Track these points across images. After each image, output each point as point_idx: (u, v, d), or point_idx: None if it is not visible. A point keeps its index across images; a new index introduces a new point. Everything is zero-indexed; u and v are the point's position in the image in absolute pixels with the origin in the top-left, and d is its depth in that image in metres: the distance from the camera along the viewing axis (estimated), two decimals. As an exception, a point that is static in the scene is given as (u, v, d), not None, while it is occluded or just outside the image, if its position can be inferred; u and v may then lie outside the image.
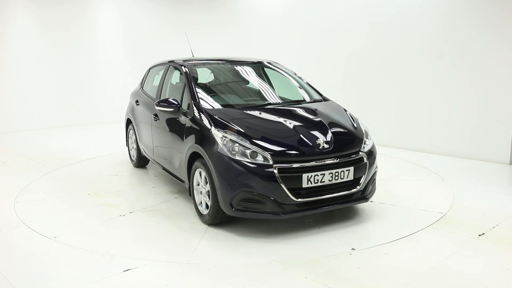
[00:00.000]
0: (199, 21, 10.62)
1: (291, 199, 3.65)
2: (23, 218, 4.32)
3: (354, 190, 3.96)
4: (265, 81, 5.27)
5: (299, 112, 4.46)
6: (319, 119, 4.28)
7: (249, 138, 3.80)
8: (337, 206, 3.94)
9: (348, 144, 4.07)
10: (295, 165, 3.69)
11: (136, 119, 5.96)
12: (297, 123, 4.13)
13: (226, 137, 3.83)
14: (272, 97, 4.93)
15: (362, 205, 4.65)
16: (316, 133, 3.99)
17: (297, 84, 5.22)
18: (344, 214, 4.41)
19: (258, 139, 3.80)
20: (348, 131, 4.23)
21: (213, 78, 5.26)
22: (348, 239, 3.83)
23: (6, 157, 6.89)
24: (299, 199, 3.69)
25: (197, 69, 5.04)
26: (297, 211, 3.74)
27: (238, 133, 3.85)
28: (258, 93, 5.02)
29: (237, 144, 3.75)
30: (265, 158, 3.68)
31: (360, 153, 4.04)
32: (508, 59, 6.30)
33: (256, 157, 3.69)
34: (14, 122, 9.11)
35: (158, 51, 10.53)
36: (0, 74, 8.91)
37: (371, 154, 4.16)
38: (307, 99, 4.94)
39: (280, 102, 4.80)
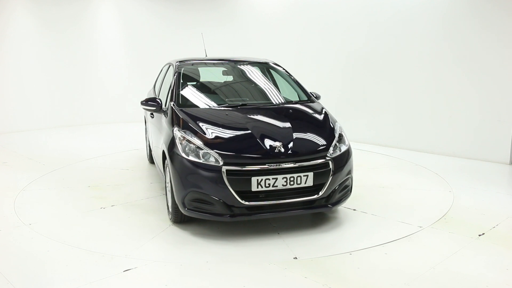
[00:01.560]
0: (199, 21, 10.61)
1: (239, 202, 3.58)
2: (23, 218, 4.32)
3: (314, 197, 3.77)
4: (255, 81, 5.23)
5: (270, 114, 4.33)
6: (287, 122, 4.12)
7: (205, 139, 3.80)
8: (295, 213, 3.78)
9: (311, 149, 3.86)
10: (243, 168, 3.59)
11: (146, 116, 6.30)
12: (260, 126, 4.05)
13: (184, 137, 3.86)
14: (255, 98, 4.91)
15: (362, 205, 4.65)
16: (276, 136, 3.85)
17: (285, 84, 5.15)
18: (343, 214, 4.41)
19: (213, 140, 3.78)
20: (316, 135, 4.03)
21: (208, 78, 5.31)
22: (348, 239, 3.83)
23: (6, 157, 6.89)
24: (248, 203, 3.59)
25: (191, 68, 5.13)
26: (246, 215, 3.67)
27: (195, 133, 3.87)
28: (242, 94, 5.01)
29: (192, 144, 3.77)
30: (216, 160, 3.64)
31: (326, 158, 3.82)
32: (508, 59, 6.29)
33: (209, 158, 3.67)
34: (14, 122, 9.11)
35: (158, 51, 10.54)
36: (0, 74, 8.91)
37: (340, 160, 3.93)
38: (293, 100, 4.84)
39: (261, 103, 4.75)
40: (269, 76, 5.36)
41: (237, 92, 5.08)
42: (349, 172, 4.07)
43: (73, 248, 3.65)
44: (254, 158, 3.65)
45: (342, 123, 8.23)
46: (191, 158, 3.70)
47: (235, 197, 3.57)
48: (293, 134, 3.93)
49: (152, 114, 5.27)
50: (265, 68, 5.41)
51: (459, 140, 6.89)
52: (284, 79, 5.23)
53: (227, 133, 3.93)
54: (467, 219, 4.28)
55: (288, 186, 3.66)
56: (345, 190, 4.08)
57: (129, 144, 7.85)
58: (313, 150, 3.85)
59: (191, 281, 3.13)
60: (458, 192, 5.09)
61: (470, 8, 6.62)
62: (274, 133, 3.91)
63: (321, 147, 3.90)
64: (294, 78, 5.21)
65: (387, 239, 3.80)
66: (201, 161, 3.66)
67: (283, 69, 5.39)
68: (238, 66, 5.37)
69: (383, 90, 7.76)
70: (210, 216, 3.71)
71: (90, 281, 3.11)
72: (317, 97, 5.11)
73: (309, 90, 5.21)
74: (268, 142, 3.77)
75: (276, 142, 3.76)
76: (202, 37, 6.98)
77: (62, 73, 9.75)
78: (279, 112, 4.42)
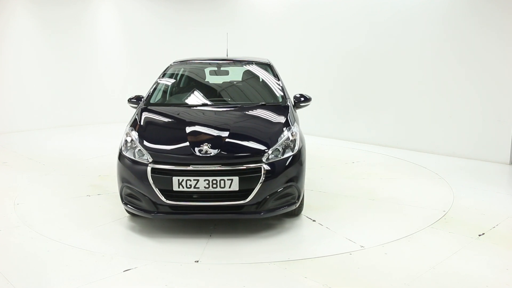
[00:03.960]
0: (199, 21, 10.62)
1: (162, 200, 3.65)
2: (23, 218, 4.32)
3: (240, 202, 3.65)
4: (237, 82, 5.26)
5: (222, 115, 4.38)
6: (232, 124, 4.08)
7: (143, 137, 3.95)
8: (222, 216, 3.77)
9: (242, 153, 3.77)
10: (165, 167, 3.66)
11: None
12: (199, 126, 4.08)
13: (128, 133, 4.07)
14: (225, 98, 4.92)
15: (360, 206, 4.65)
16: (210, 138, 3.84)
17: (268, 85, 5.05)
18: (341, 215, 4.41)
19: (149, 139, 3.93)
20: (256, 140, 3.91)
21: (195, 77, 5.37)
22: (347, 239, 3.84)
23: (6, 157, 6.89)
24: (171, 202, 3.65)
25: (180, 68, 5.31)
26: (170, 213, 3.73)
27: (138, 131, 4.07)
28: (217, 94, 5.05)
29: (132, 142, 3.95)
30: (146, 158, 3.76)
31: (257, 164, 3.69)
32: (508, 59, 6.30)
33: (142, 156, 3.79)
34: (14, 122, 9.10)
35: (158, 51, 10.54)
36: (0, 74, 8.91)
37: (278, 166, 3.75)
38: (268, 101, 4.71)
39: (226, 103, 4.80)
40: (255, 77, 5.30)
41: (213, 92, 5.10)
42: (292, 180, 3.82)
43: (73, 248, 3.65)
44: (179, 158, 3.70)
45: (342, 123, 8.31)
46: (127, 154, 3.89)
47: (158, 195, 3.64)
48: (230, 137, 3.87)
49: None
50: (255, 68, 5.36)
51: (459, 140, 6.89)
52: (268, 80, 5.13)
53: (164, 133, 4.11)
54: (467, 219, 4.28)
55: (211, 189, 3.60)
56: (284, 198, 3.83)
57: (129, 144, 7.83)
58: (243, 155, 3.76)
59: (191, 281, 3.13)
60: (458, 192, 5.09)
61: (470, 8, 6.62)
62: (209, 135, 3.92)
63: (255, 152, 3.77)
64: (277, 79, 5.04)
65: (387, 239, 3.80)
66: (134, 158, 3.82)
67: (271, 69, 5.24)
68: (228, 66, 5.43)
69: (383, 90, 7.76)
70: (140, 212, 3.82)
71: (90, 281, 3.11)
72: (308, 99, 4.97)
73: (304, 91, 5.17)
74: (198, 144, 3.76)
75: (206, 144, 3.73)
76: (226, 37, 7.02)
77: (62, 73, 9.75)
78: (233, 113, 4.44)
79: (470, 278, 3.16)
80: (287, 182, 3.79)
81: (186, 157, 3.69)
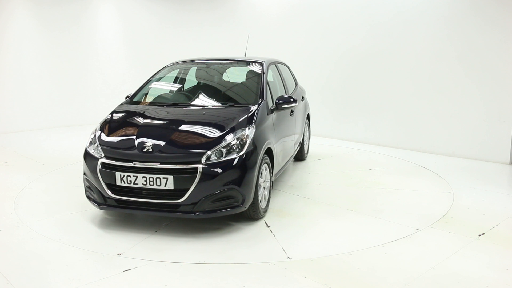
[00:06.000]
0: (199, 21, 10.61)
1: (108, 193, 3.87)
2: (23, 218, 4.32)
3: (175, 201, 3.72)
4: (220, 83, 5.25)
5: (174, 115, 4.41)
6: (178, 124, 4.12)
7: (104, 133, 4.20)
8: (160, 214, 3.83)
9: (180, 152, 3.82)
10: (111, 162, 3.87)
11: None
12: (151, 126, 4.25)
13: (96, 130, 4.33)
14: (199, 98, 4.88)
15: (361, 205, 4.65)
16: (155, 136, 3.96)
17: (251, 86, 4.97)
18: (340, 215, 4.41)
19: (106, 135, 4.17)
20: (200, 140, 3.91)
21: (189, 77, 5.45)
22: (347, 239, 3.84)
23: (6, 157, 6.89)
24: (115, 196, 3.86)
25: (176, 67, 5.44)
26: (115, 207, 3.94)
27: (101, 127, 4.33)
28: (196, 94, 5.03)
29: (92, 137, 4.24)
30: (100, 153, 4.01)
31: (195, 165, 3.70)
32: (509, 59, 6.30)
33: (99, 151, 4.03)
34: (14, 122, 9.10)
35: (158, 51, 10.53)
36: (0, 74, 8.91)
37: (217, 168, 3.73)
38: (230, 103, 4.67)
39: (195, 104, 4.77)
40: (241, 77, 5.27)
41: (192, 93, 5.09)
42: (233, 183, 3.78)
43: (73, 248, 3.65)
44: (123, 154, 3.89)
45: (342, 123, 8.30)
46: (89, 149, 4.15)
47: (105, 189, 3.88)
48: (174, 137, 3.93)
49: None
50: (245, 68, 5.33)
51: (459, 140, 6.89)
52: (252, 80, 5.07)
53: (120, 130, 4.22)
54: (467, 219, 4.28)
55: (149, 186, 3.74)
56: (225, 201, 3.81)
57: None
58: (181, 155, 3.81)
59: (191, 281, 3.13)
60: (458, 192, 5.09)
61: (470, 8, 6.62)
62: (155, 133, 4.05)
63: (194, 153, 3.79)
64: (263, 80, 4.89)
65: (387, 239, 3.80)
66: (91, 152, 4.08)
67: (261, 70, 5.07)
68: (220, 66, 5.44)
69: (383, 90, 7.75)
70: (93, 203, 4.06)
71: (90, 281, 3.11)
72: (291, 101, 4.77)
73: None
74: (142, 141, 3.91)
75: (149, 142, 3.87)
76: (247, 37, 7.05)
77: (62, 73, 9.74)
78: (191, 114, 4.45)
79: (470, 278, 3.17)
80: (226, 184, 3.76)
81: (129, 153, 3.87)
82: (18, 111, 9.17)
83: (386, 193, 5.08)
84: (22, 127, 9.17)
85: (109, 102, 10.43)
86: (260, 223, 4.16)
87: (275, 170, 4.71)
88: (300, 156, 6.44)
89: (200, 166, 3.71)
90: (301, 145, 6.30)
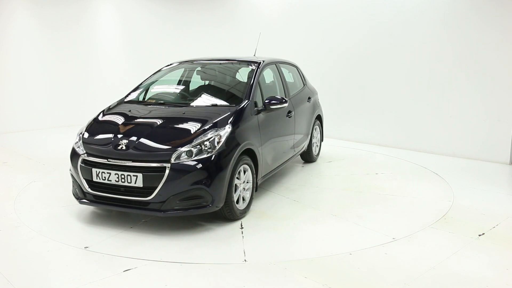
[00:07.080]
0: (199, 21, 10.61)
1: (86, 189, 4.03)
2: (23, 218, 4.32)
3: (145, 198, 3.79)
4: (212, 83, 5.29)
5: (157, 114, 4.47)
6: (155, 123, 4.20)
7: (87, 131, 4.36)
8: (131, 210, 3.94)
9: (150, 150, 3.87)
10: (89, 159, 4.03)
11: None
12: (131, 123, 4.32)
13: (83, 128, 4.49)
14: (186, 98, 4.99)
15: (359, 205, 4.65)
16: (131, 134, 4.07)
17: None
18: (321, 220, 4.41)
19: (90, 133, 4.32)
20: (171, 139, 3.96)
21: (185, 77, 5.48)
22: (347, 239, 3.84)
23: (6, 157, 6.89)
24: (93, 191, 4.00)
25: (172, 67, 5.52)
26: (93, 202, 4.09)
27: (88, 126, 4.50)
28: (186, 94, 5.14)
29: (79, 135, 4.38)
30: (83, 149, 4.16)
31: (163, 163, 3.75)
32: (508, 59, 6.30)
33: (82, 148, 4.17)
34: (14, 122, 9.10)
35: (158, 51, 10.53)
36: (0, 74, 8.91)
37: (185, 167, 3.76)
38: (214, 103, 4.66)
39: (180, 103, 4.83)
40: (236, 78, 5.25)
41: (182, 92, 5.20)
42: (201, 183, 3.79)
43: (73, 248, 3.65)
44: (100, 151, 4.03)
45: (342, 123, 8.30)
46: (75, 146, 4.28)
47: (84, 184, 4.03)
48: (147, 135, 4.01)
49: None
50: (239, 68, 5.32)
51: (459, 140, 6.89)
52: (242, 80, 5.05)
53: (102, 128, 4.36)
54: (467, 219, 4.28)
55: (120, 183, 3.86)
56: (193, 200, 3.83)
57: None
58: (151, 153, 3.87)
59: (191, 281, 3.14)
60: (458, 192, 5.09)
61: (470, 9, 6.62)
62: (131, 132, 4.13)
63: (163, 152, 3.84)
64: (253, 80, 4.83)
65: (387, 239, 3.80)
66: (76, 149, 4.22)
67: (255, 71, 5.00)
68: (215, 66, 5.47)
69: (383, 90, 7.75)
70: (76, 198, 4.22)
71: (90, 281, 3.11)
72: (277, 102, 4.70)
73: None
74: (118, 140, 4.02)
75: (124, 140, 3.98)
76: (259, 36, 7.00)
77: (62, 73, 9.74)
78: (171, 113, 4.50)
79: (470, 278, 3.17)
80: (194, 184, 3.78)
81: (105, 150, 4.00)
82: (18, 111, 9.17)
83: (386, 193, 5.07)
84: (22, 127, 9.17)
85: (109, 102, 10.41)
86: (235, 225, 4.14)
87: (263, 172, 4.65)
88: (308, 158, 6.38)
89: (167, 165, 3.77)
90: (309, 146, 6.24)
